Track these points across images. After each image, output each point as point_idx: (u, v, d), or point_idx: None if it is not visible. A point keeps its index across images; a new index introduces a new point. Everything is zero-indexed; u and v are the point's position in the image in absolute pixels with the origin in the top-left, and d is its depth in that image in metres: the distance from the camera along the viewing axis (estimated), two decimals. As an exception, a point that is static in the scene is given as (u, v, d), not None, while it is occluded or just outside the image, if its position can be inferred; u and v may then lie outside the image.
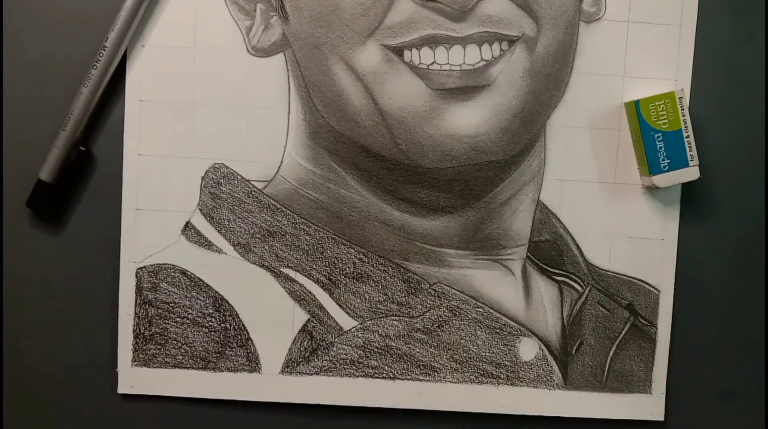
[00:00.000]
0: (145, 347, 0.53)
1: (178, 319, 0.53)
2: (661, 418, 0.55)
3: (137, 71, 0.53)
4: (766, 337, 0.55)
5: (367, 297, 0.54)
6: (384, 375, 0.54)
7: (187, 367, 0.54)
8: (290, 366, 0.54)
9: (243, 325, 0.54)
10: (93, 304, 0.54)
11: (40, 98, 0.53)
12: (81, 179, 0.53)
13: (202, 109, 0.53)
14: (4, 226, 0.54)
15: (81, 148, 0.53)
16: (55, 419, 0.54)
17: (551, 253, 0.54)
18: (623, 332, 0.54)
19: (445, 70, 0.51)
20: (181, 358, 0.54)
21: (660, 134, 0.51)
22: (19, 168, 0.53)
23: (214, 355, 0.54)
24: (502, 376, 0.54)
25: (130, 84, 0.53)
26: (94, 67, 0.51)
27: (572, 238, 0.54)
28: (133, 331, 0.53)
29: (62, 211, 0.54)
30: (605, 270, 0.54)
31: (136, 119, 0.53)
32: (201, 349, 0.53)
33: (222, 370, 0.54)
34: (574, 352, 0.54)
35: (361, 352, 0.54)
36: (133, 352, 0.54)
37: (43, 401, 0.54)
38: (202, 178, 0.53)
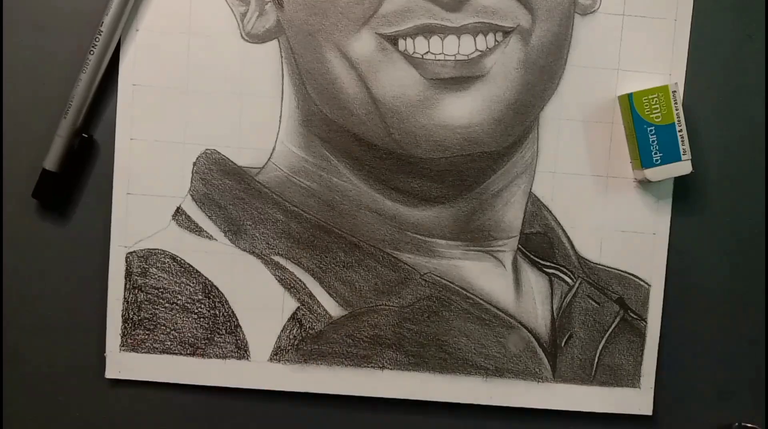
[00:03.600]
0: (133, 332, 0.53)
1: (167, 305, 0.53)
2: (649, 413, 0.55)
3: (131, 55, 0.53)
4: (756, 332, 0.55)
5: (357, 286, 0.54)
6: (373, 364, 0.54)
7: (176, 353, 0.53)
8: (279, 354, 0.54)
9: (232, 311, 0.53)
10: (83, 288, 0.54)
11: (40, 88, 0.53)
12: (85, 166, 0.53)
13: (195, 95, 0.53)
14: (10, 216, 0.53)
15: (84, 134, 0.52)
16: (42, 404, 0.54)
17: (542, 245, 0.54)
18: (613, 326, 0.54)
19: (439, 60, 0.51)
20: (169, 343, 0.53)
21: (653, 128, 0.51)
22: (22, 158, 0.53)
23: (203, 342, 0.53)
24: (490, 368, 0.54)
25: (123, 68, 0.53)
26: (91, 52, 0.51)
27: (563, 230, 0.54)
28: (122, 316, 0.53)
29: (68, 199, 0.53)
30: (596, 263, 0.54)
31: (129, 104, 0.53)
32: (190, 335, 0.53)
33: (210, 357, 0.53)
34: (563, 344, 0.54)
35: (350, 341, 0.54)
36: (122, 337, 0.53)
37: (30, 385, 0.54)
38: (194, 164, 0.53)
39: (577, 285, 0.54)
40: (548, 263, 0.54)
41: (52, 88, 0.53)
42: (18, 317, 0.54)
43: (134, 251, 0.53)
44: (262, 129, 0.53)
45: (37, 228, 0.53)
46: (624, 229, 0.54)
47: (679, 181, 0.54)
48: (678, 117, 0.51)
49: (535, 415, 0.55)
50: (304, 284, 0.54)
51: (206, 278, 0.53)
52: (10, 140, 0.53)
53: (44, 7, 0.53)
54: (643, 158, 0.52)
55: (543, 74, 0.53)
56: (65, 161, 0.52)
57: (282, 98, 0.53)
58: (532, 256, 0.54)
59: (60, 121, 0.52)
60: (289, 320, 0.54)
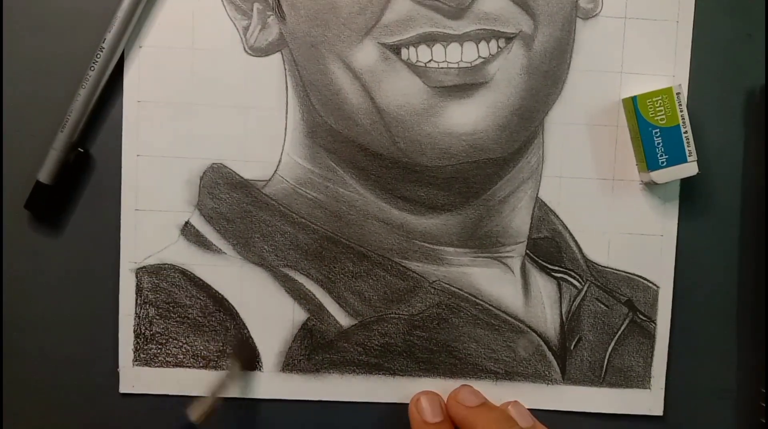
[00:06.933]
0: (146, 347, 0.54)
1: (178, 319, 0.54)
2: (660, 413, 0.55)
3: (135, 72, 0.53)
4: (765, 333, 0.55)
5: (366, 295, 0.54)
6: (384, 372, 0.54)
7: (189, 366, 0.54)
8: (291, 364, 0.54)
9: (243, 323, 0.54)
10: (94, 304, 0.54)
11: (38, 99, 0.53)
12: (80, 180, 0.53)
13: (200, 109, 0.53)
14: (3, 228, 0.54)
15: (79, 149, 0.53)
16: (57, 419, 0.54)
17: (550, 249, 0.54)
18: (622, 328, 0.55)
19: (442, 68, 0.51)
20: (182, 357, 0.54)
21: (658, 130, 0.51)
22: (17, 170, 0.53)
23: (215, 354, 0.54)
24: (500, 372, 0.55)
25: (127, 85, 0.53)
26: (92, 68, 0.51)
27: (571, 234, 0.54)
28: (134, 331, 0.54)
29: (61, 212, 0.54)
30: (604, 266, 0.54)
31: (134, 120, 0.53)
32: (202, 348, 0.54)
33: (223, 369, 0.54)
34: (572, 347, 0.55)
35: (361, 350, 0.54)
36: (134, 352, 0.54)
37: (45, 401, 0.54)
38: (201, 178, 0.53)
39: (585, 288, 0.54)
40: (556, 267, 0.55)
41: (52, 100, 0.53)
42: (28, 337, 0.54)
43: (144, 267, 0.53)
44: (267, 141, 0.53)
45: (41, 245, 0.54)
46: (631, 231, 0.54)
47: (686, 183, 0.54)
48: (683, 118, 0.51)
49: (545, 417, 0.55)
50: (314, 295, 0.54)
51: (216, 291, 0.54)
52: (8, 150, 0.53)
53: (46, 16, 0.53)
54: (648, 161, 0.52)
55: (546, 79, 0.53)
56: (59, 174, 0.52)
57: (287, 110, 0.53)
58: (540, 261, 0.54)
59: (56, 135, 0.52)
60: (299, 331, 0.54)
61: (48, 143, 0.52)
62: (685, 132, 0.51)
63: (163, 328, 0.54)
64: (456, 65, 0.52)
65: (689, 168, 0.52)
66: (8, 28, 0.53)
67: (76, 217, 0.54)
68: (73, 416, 0.54)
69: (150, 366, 0.54)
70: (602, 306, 0.55)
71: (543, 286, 0.55)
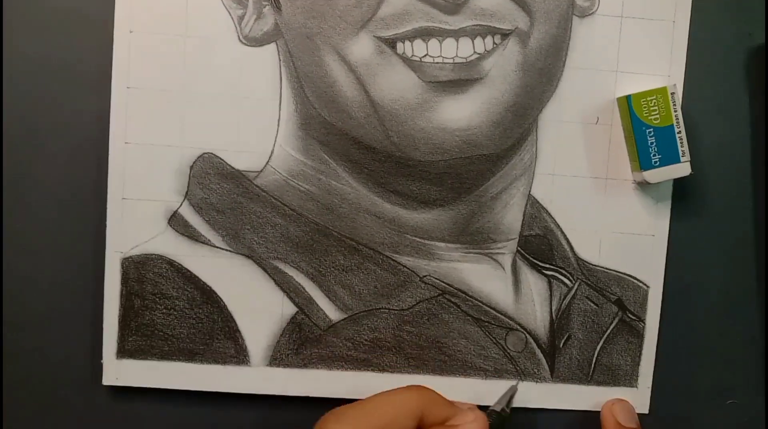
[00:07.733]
0: (130, 338, 0.53)
1: (164, 311, 0.53)
2: (646, 411, 0.55)
3: (124, 56, 0.52)
4: (754, 334, 0.56)
5: (356, 289, 0.53)
6: (373, 368, 0.54)
7: (174, 359, 0.53)
8: (279, 358, 0.53)
9: (231, 316, 0.53)
10: (78, 294, 0.53)
11: (38, 98, 0.52)
12: (65, 166, 0.52)
13: (191, 98, 0.52)
14: (3, 226, 0.53)
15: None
16: (39, 411, 0.53)
17: (541, 247, 0.54)
18: (611, 327, 0.55)
19: (437, 63, 0.51)
20: (167, 349, 0.53)
21: (651, 129, 0.51)
22: (17, 169, 0.52)
23: (202, 347, 0.53)
24: (489, 369, 0.54)
25: (116, 71, 0.52)
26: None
27: (562, 232, 0.54)
28: (119, 322, 0.53)
29: (44, 199, 0.53)
30: (595, 265, 0.54)
31: (123, 106, 0.52)
32: (188, 340, 0.53)
33: (210, 362, 0.53)
34: (561, 345, 0.55)
35: (350, 345, 0.54)
36: (118, 344, 0.53)
37: (26, 393, 0.53)
38: (191, 168, 0.53)
39: (575, 287, 0.54)
40: (547, 265, 0.54)
41: (52, 99, 0.52)
42: (10, 324, 0.53)
43: (130, 257, 0.53)
44: (260, 132, 0.53)
45: (26, 231, 0.53)
46: (623, 230, 0.54)
47: (678, 183, 0.54)
48: (677, 119, 0.51)
49: (533, 415, 0.55)
50: (303, 288, 0.53)
51: (204, 283, 0.53)
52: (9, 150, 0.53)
53: (46, 19, 0.52)
54: (641, 160, 0.52)
55: (541, 76, 0.53)
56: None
57: (280, 101, 0.53)
58: (531, 259, 0.54)
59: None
60: (288, 324, 0.53)
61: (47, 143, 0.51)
62: (679, 132, 0.51)
63: (148, 319, 0.53)
64: (451, 60, 0.51)
65: (682, 168, 0.52)
66: (8, 27, 0.52)
67: (74, 207, 0.53)
68: (55, 408, 0.53)
69: (134, 358, 0.53)
70: (592, 304, 0.55)
71: (533, 283, 0.54)
